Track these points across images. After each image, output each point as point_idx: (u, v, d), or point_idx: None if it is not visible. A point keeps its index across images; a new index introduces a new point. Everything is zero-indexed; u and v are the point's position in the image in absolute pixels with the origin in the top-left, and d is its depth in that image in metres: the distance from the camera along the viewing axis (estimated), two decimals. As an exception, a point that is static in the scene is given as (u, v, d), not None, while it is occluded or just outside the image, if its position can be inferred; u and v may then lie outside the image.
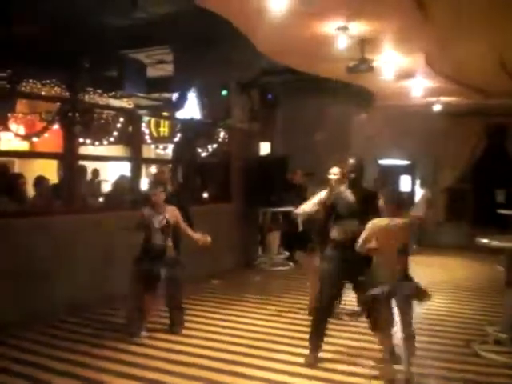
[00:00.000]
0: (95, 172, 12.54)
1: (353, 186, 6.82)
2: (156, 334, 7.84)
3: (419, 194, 17.07)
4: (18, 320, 7.95)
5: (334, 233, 6.72)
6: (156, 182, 8.47)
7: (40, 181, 10.12)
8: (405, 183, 17.93)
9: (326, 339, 6.89)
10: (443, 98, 15.17)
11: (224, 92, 13.36)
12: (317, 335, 6.80)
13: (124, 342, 7.51)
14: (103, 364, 6.71)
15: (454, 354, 7.19)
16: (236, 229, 13.05)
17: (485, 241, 7.29)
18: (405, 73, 11.87)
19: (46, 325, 8.14)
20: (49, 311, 8.42)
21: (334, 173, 7.17)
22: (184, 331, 7.97)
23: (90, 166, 11.73)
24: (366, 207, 6.44)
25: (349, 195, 6.72)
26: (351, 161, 6.95)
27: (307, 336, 6.97)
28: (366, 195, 6.71)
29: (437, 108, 15.99)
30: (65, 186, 9.78)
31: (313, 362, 6.68)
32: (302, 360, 6.79)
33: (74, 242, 8.97)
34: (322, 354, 6.84)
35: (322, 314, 6.80)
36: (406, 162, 18.08)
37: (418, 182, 18.08)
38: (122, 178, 11.53)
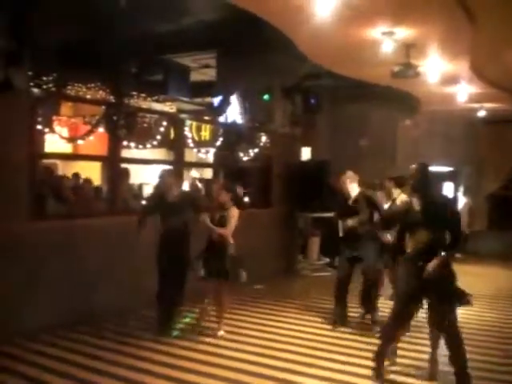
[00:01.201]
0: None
1: (415, 193, 6.33)
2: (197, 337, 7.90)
3: (462, 201, 16.84)
4: (62, 321, 8.06)
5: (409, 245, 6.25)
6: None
7: (83, 183, 10.26)
8: (448, 190, 17.72)
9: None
10: (487, 104, 14.99)
11: (266, 96, 13.35)
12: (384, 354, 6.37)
13: (166, 343, 7.57)
14: (145, 365, 6.76)
15: (494, 365, 7.07)
16: (277, 234, 13.02)
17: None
18: (449, 78, 11.76)
19: (89, 326, 8.23)
20: (90, 313, 8.50)
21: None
22: (226, 335, 8.00)
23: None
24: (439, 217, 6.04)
25: (415, 204, 6.27)
26: (413, 166, 6.82)
27: (351, 344, 6.90)
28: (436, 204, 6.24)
29: (481, 114, 15.81)
30: (108, 188, 9.89)
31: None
32: (345, 368, 6.76)
33: (117, 243, 9.05)
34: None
35: (395, 331, 6.39)
36: (449, 169, 17.87)
37: (460, 189, 17.85)
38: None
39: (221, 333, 8.02)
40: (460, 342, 5.97)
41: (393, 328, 6.32)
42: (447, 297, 5.94)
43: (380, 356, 6.28)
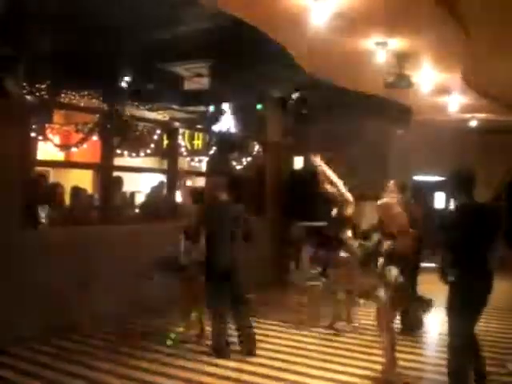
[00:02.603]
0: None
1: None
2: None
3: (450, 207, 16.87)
4: (49, 332, 8.04)
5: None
6: None
7: (76, 191, 10.25)
8: (439, 200, 17.77)
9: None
10: (479, 115, 15.05)
11: (259, 106, 13.39)
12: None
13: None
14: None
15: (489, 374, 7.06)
16: (269, 243, 13.03)
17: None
18: (441, 88, 11.80)
19: (81, 336, 8.20)
20: (81, 323, 8.46)
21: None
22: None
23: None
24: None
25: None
26: (392, 182, 6.82)
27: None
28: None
29: (472, 124, 15.87)
30: (101, 197, 9.90)
31: None
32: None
33: (109, 252, 9.04)
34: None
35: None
36: (440, 179, 17.91)
37: (452, 199, 17.87)
38: (156, 188, 11.65)
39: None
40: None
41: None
42: None
43: None
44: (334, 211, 9.18)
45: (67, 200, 10.03)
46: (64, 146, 10.86)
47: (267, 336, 8.66)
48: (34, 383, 6.45)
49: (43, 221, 8.78)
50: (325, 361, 7.50)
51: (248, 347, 7.68)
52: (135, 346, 7.89)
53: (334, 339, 8.61)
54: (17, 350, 7.51)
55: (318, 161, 9.16)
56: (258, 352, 7.70)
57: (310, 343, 8.36)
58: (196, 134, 14.48)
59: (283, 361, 7.47)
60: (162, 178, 11.91)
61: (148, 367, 7.06)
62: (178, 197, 11.91)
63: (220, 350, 7.56)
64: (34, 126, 8.87)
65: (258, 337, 7.94)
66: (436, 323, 9.58)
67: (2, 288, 7.65)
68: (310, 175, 13.72)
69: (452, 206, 6.39)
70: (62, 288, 8.27)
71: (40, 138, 9.48)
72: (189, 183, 15.95)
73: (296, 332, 8.98)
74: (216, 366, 7.20)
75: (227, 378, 6.76)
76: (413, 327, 8.85)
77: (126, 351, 7.70)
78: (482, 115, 14.99)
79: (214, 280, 7.64)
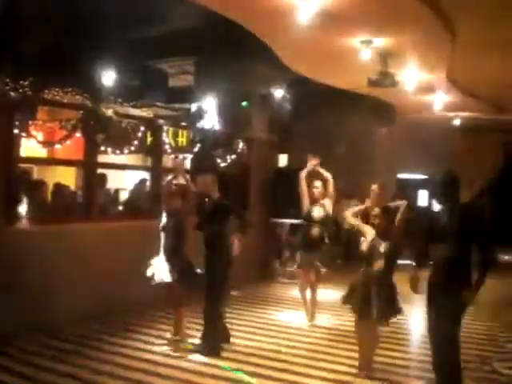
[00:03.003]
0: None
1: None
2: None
3: (436, 209, 16.94)
4: (30, 330, 7.95)
5: None
6: None
7: (59, 188, 10.17)
8: (422, 198, 17.84)
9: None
10: (463, 113, 15.13)
11: (244, 103, 13.36)
12: None
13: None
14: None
15: (472, 371, 7.07)
16: (253, 240, 12.99)
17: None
18: (426, 87, 11.86)
19: (56, 336, 8.10)
20: (62, 322, 8.41)
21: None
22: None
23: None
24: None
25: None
26: (375, 186, 6.83)
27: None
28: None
29: (456, 122, 15.96)
30: (84, 194, 9.83)
31: None
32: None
33: (93, 249, 8.99)
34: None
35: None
36: (424, 177, 18.00)
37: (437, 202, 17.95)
38: (140, 184, 11.62)
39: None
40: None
41: None
42: None
43: None
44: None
45: (50, 197, 9.95)
46: (47, 143, 10.73)
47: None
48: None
49: (24, 218, 8.71)
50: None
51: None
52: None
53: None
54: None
55: (314, 162, 9.18)
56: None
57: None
58: (180, 132, 14.40)
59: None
60: (145, 175, 11.87)
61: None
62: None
63: (215, 348, 7.60)
64: (17, 123, 8.78)
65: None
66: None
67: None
68: (294, 173, 13.78)
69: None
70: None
71: (23, 134, 9.36)
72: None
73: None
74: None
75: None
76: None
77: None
78: (467, 114, 15.08)
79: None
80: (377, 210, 6.89)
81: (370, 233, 6.81)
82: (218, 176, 8.28)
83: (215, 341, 7.67)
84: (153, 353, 7.53)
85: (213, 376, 6.77)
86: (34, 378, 6.48)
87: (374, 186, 7.23)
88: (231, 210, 7.92)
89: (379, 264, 6.66)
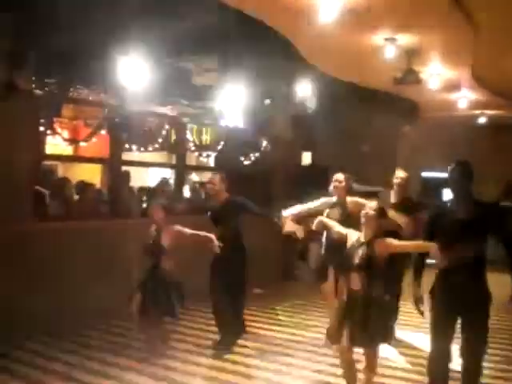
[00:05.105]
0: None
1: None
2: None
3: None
4: (63, 323, 8.06)
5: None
6: None
7: (82, 185, 10.26)
8: (447, 196, 17.70)
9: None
10: (488, 111, 15.02)
11: (268, 101, 13.36)
12: None
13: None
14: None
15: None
16: (276, 239, 12.98)
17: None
18: (450, 85, 11.79)
19: (92, 330, 8.24)
20: (84, 318, 8.47)
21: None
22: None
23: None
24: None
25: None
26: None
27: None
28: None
29: (481, 121, 15.84)
30: (109, 191, 9.92)
31: None
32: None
33: (116, 246, 9.05)
34: None
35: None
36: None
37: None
38: (162, 183, 11.67)
39: None
40: None
41: None
42: None
43: None
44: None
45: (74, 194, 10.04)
46: (73, 141, 10.85)
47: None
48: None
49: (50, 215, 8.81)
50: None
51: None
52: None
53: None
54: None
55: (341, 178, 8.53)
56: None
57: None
58: (205, 129, 14.47)
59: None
60: (167, 174, 11.92)
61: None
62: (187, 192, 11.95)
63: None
64: (43, 120, 8.88)
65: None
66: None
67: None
68: (318, 171, 13.76)
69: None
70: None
71: (49, 132, 9.47)
72: (196, 178, 15.98)
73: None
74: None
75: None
76: None
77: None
78: (492, 112, 14.96)
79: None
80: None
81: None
82: (241, 174, 8.19)
83: (237, 336, 7.73)
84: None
85: (241, 373, 6.82)
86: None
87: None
88: (241, 206, 7.81)
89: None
